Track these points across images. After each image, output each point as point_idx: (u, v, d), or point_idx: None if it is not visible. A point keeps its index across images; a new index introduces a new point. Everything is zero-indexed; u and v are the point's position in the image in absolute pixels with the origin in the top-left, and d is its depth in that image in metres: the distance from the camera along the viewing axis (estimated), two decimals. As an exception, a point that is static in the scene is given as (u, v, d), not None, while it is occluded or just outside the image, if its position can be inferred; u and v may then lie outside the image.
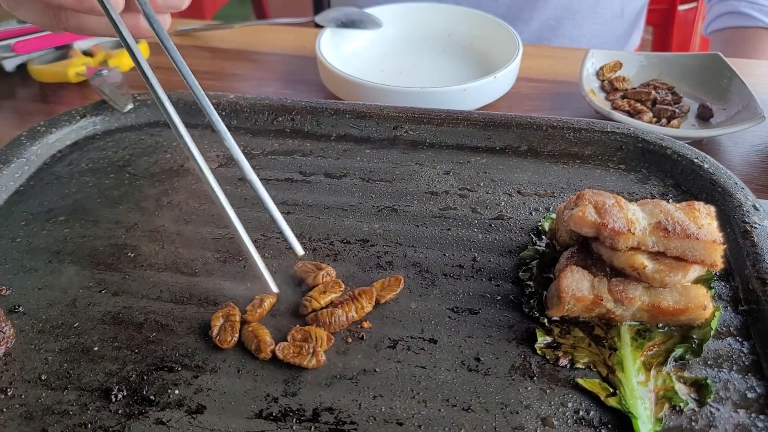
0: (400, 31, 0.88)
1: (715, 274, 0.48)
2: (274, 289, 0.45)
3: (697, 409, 0.40)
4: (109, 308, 0.47)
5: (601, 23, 1.04)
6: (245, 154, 0.62)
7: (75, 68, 0.79)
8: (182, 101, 0.67)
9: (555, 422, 0.40)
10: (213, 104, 0.66)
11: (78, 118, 0.65)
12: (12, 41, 0.80)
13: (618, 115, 0.68)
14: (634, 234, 0.43)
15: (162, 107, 0.44)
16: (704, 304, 0.42)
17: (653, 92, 0.74)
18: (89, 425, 0.40)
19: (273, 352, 0.44)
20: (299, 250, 0.46)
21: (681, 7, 1.43)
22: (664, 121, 0.71)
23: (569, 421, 0.40)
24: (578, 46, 1.01)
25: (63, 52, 0.84)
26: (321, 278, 0.49)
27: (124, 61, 0.82)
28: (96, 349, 0.45)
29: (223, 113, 0.66)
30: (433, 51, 0.86)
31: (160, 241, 0.53)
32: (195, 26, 0.93)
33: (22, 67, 0.83)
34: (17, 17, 0.48)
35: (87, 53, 0.84)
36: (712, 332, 0.44)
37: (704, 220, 0.43)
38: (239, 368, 0.43)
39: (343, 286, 0.49)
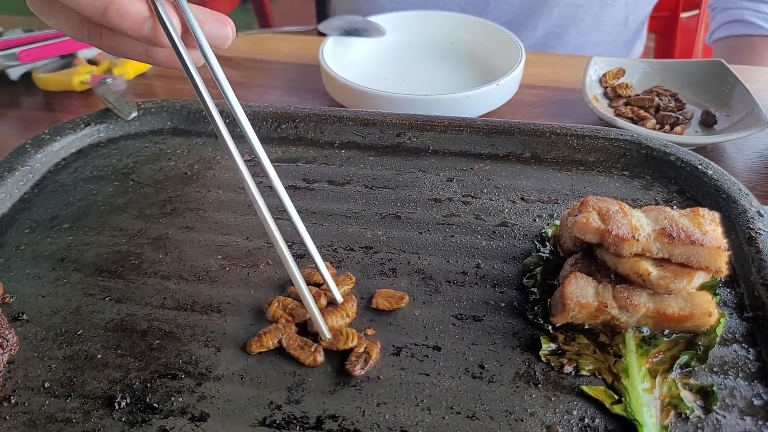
0: (403, 38, 0.88)
1: (720, 280, 0.47)
2: (328, 335, 0.45)
3: (703, 416, 0.40)
4: (113, 315, 0.47)
5: (605, 31, 1.05)
6: (249, 161, 0.63)
7: (79, 77, 0.79)
8: (186, 109, 0.68)
9: (560, 430, 0.39)
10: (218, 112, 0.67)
11: (82, 126, 0.65)
12: (17, 50, 0.81)
13: (621, 122, 0.68)
14: (638, 240, 0.42)
15: (212, 119, 0.43)
16: (709, 311, 0.42)
17: (656, 99, 0.74)
18: (92, 433, 0.40)
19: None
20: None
21: (683, 15, 1.43)
22: (667, 127, 0.71)
23: (574, 428, 0.40)
24: (582, 53, 1.01)
25: (67, 60, 0.84)
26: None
27: (129, 70, 0.83)
28: (99, 356, 0.45)
29: (227, 121, 0.66)
30: (435, 58, 0.87)
31: (164, 248, 0.53)
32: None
33: (26, 76, 0.83)
34: (48, 23, 0.46)
35: (91, 62, 0.84)
36: (718, 339, 0.43)
37: (709, 226, 0.43)
38: (242, 376, 0.43)
39: (354, 278, 0.49)
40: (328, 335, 0.44)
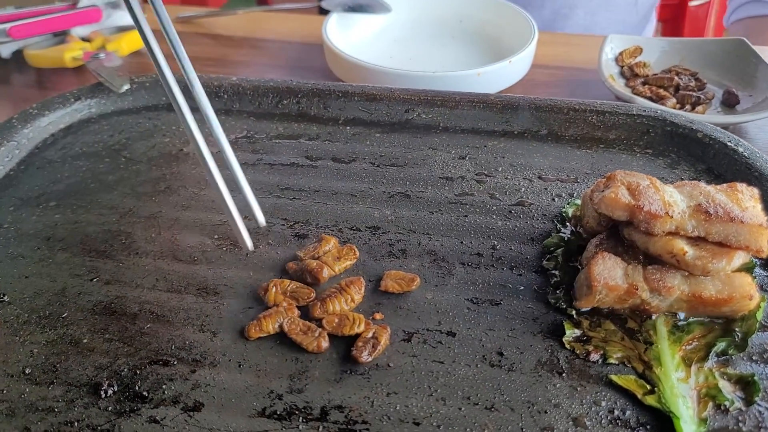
0: (410, 16, 0.85)
1: (757, 262, 0.44)
2: (250, 246, 0.44)
3: (744, 408, 0.36)
4: (101, 298, 0.44)
5: (615, 11, 1.01)
6: (248, 138, 0.59)
7: (71, 53, 0.76)
8: (182, 83, 0.64)
9: (587, 422, 0.36)
10: (215, 86, 0.63)
11: (72, 100, 0.61)
12: (7, 26, 0.77)
13: (641, 100, 0.64)
14: (672, 217, 0.39)
15: (167, 88, 0.41)
16: (750, 294, 0.39)
17: (676, 78, 0.70)
18: (76, 423, 0.36)
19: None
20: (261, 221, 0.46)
21: (692, 3, 1.39)
22: (688, 107, 0.67)
23: (603, 421, 0.36)
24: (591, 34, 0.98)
25: (60, 38, 0.81)
26: (325, 246, 0.46)
27: (123, 46, 0.79)
28: (85, 341, 0.41)
29: (226, 96, 0.63)
30: (444, 37, 0.83)
31: (156, 227, 0.50)
32: (197, 12, 0.90)
33: (18, 54, 0.80)
34: None
35: (85, 39, 0.81)
36: (758, 324, 0.40)
37: (748, 202, 0.40)
38: (240, 362, 0.40)
39: (358, 252, 0.46)
40: (250, 246, 0.44)
